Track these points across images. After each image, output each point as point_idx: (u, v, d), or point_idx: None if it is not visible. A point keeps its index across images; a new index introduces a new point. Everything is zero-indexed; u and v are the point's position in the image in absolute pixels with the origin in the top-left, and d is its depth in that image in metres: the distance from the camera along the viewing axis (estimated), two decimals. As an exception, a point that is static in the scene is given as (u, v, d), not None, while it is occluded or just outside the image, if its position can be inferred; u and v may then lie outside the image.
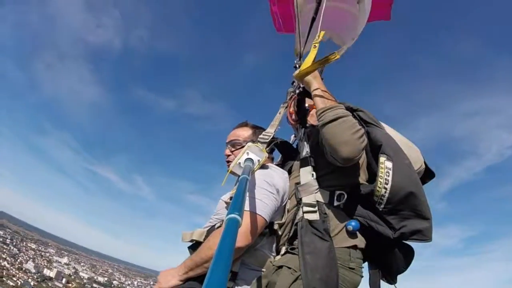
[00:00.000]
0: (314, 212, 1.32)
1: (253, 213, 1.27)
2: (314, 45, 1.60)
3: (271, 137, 1.52)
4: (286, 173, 1.56)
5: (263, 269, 1.37)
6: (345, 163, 1.31)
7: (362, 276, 1.35)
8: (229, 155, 1.65)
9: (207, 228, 1.48)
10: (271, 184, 1.38)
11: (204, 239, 1.42)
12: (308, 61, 1.55)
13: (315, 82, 1.51)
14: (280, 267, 1.28)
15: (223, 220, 0.93)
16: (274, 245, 1.43)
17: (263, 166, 1.43)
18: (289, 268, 1.25)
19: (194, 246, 1.45)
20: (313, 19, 1.81)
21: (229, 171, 1.32)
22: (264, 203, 1.30)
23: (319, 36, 1.63)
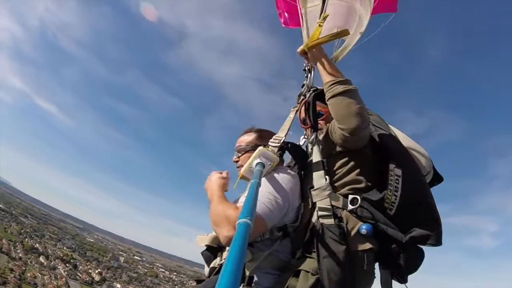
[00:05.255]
0: (329, 216, 1.35)
1: (256, 217, 1.27)
2: (319, 24, 1.64)
3: (281, 141, 1.54)
4: (296, 176, 1.58)
5: (279, 273, 1.40)
6: (353, 134, 1.37)
7: (374, 277, 1.40)
8: (237, 161, 1.69)
9: None
10: (279, 188, 1.39)
11: (218, 245, 1.49)
12: (314, 36, 1.60)
13: (320, 56, 1.56)
14: (298, 271, 1.33)
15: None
16: (289, 248, 1.45)
17: (273, 169, 1.45)
18: (307, 272, 1.30)
19: (208, 249, 1.52)
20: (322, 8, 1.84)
21: (240, 175, 1.37)
22: (268, 208, 1.30)
23: (324, 16, 1.68)
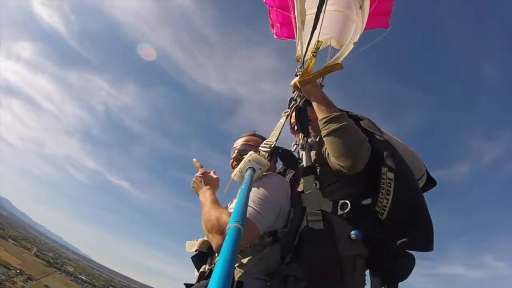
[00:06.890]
0: (318, 221, 1.34)
1: (248, 223, 1.25)
2: (313, 54, 1.64)
3: (272, 146, 1.54)
4: (287, 182, 1.57)
5: (268, 279, 1.37)
6: (351, 172, 1.37)
7: (365, 284, 1.37)
8: (239, 159, 1.65)
9: None
10: (270, 194, 1.38)
11: (208, 250, 1.45)
12: (307, 70, 1.60)
13: (315, 91, 1.56)
14: (286, 276, 1.30)
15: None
16: (279, 254, 1.42)
17: (264, 175, 1.45)
18: (296, 277, 1.27)
19: (198, 255, 1.48)
20: (314, 25, 1.80)
21: (231, 180, 1.35)
22: (260, 214, 1.29)
23: (317, 46, 1.67)
